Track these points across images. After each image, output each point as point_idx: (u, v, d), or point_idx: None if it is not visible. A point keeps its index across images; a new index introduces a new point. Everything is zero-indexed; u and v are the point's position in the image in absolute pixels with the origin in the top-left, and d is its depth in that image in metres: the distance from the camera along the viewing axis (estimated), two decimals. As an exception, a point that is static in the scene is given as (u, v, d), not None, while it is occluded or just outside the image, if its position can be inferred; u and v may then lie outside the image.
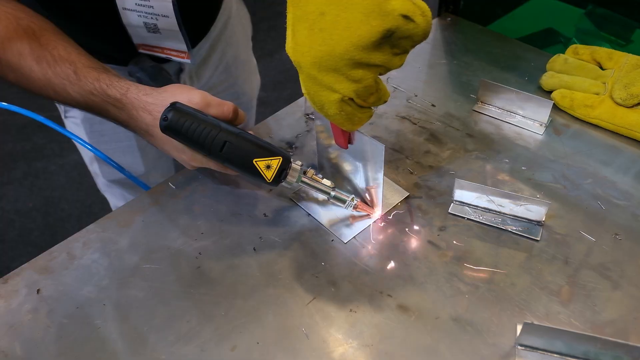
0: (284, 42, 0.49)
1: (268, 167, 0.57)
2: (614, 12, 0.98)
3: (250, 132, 0.61)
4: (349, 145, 0.59)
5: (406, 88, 0.82)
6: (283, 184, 0.59)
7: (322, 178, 0.61)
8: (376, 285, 0.56)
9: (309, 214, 0.64)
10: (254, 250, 0.60)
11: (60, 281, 0.58)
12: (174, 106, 0.57)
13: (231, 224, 0.63)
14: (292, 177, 0.59)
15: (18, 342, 0.53)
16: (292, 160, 0.59)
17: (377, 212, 0.63)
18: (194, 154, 0.60)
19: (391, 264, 0.58)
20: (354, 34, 0.45)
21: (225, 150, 0.56)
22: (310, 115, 0.78)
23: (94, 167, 1.01)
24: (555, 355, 0.50)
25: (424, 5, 0.45)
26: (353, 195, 0.62)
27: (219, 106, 0.60)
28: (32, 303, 0.57)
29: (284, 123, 0.77)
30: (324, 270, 0.58)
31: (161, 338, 0.53)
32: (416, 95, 0.81)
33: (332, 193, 0.61)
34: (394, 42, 0.46)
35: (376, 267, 0.58)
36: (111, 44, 0.79)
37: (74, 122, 0.93)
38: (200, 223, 0.63)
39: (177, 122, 0.56)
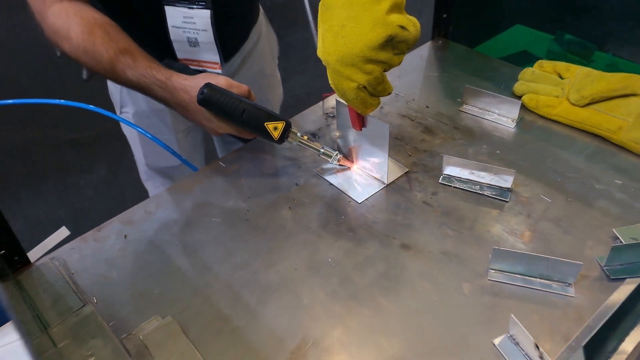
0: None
1: (275, 128, 0.76)
2: (578, 38, 1.19)
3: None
4: (362, 128, 0.78)
5: (406, 94, 1.02)
6: (285, 143, 0.79)
7: (313, 141, 0.82)
8: (384, 231, 0.74)
9: (331, 184, 0.82)
10: (290, 208, 0.78)
11: (141, 229, 0.76)
12: (208, 85, 0.77)
13: (270, 191, 0.81)
14: (292, 139, 0.79)
15: (114, 269, 0.71)
16: (290, 127, 0.79)
17: (383, 180, 0.81)
18: (220, 122, 0.80)
19: (395, 217, 0.76)
20: (365, 38, 0.64)
21: (244, 115, 0.76)
22: (329, 114, 0.97)
23: (139, 156, 1.20)
24: (517, 275, 0.67)
25: (414, 19, 0.65)
26: (336, 152, 0.81)
27: (238, 87, 0.80)
28: (121, 244, 0.74)
29: (309, 119, 0.96)
30: (344, 222, 0.76)
31: (222, 267, 0.70)
32: (414, 99, 1.00)
33: (322, 150, 0.81)
34: (394, 45, 0.66)
35: (384, 219, 0.76)
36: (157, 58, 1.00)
37: (126, 117, 1.13)
38: (245, 190, 0.82)
39: (211, 96, 0.76)
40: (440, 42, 1.18)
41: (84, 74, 1.08)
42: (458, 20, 1.19)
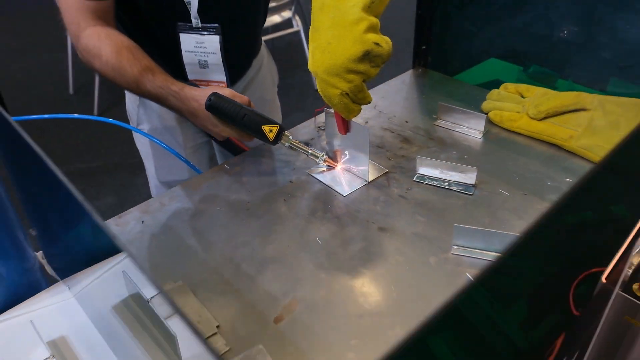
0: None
1: (270, 131, 0.90)
2: (542, 67, 1.34)
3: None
4: (347, 133, 0.92)
5: (388, 112, 1.16)
6: (279, 144, 0.92)
7: (302, 144, 0.95)
8: (365, 218, 0.86)
9: (320, 181, 0.95)
10: (284, 200, 0.91)
11: (157, 217, 0.89)
12: (215, 94, 0.91)
13: (268, 186, 0.94)
14: (284, 140, 0.93)
15: (133, 247, 0.83)
16: (284, 130, 0.93)
17: (365, 178, 0.94)
18: (224, 126, 0.93)
19: (374, 207, 0.89)
20: (347, 53, 0.78)
21: (245, 119, 0.90)
22: (320, 127, 1.11)
23: (151, 170, 1.33)
24: (476, 250, 0.79)
25: (387, 38, 0.80)
26: (323, 153, 0.95)
27: (240, 97, 0.95)
28: (139, 228, 0.87)
29: (302, 131, 1.10)
30: (330, 211, 0.88)
31: (225, 245, 0.82)
32: (395, 116, 1.14)
33: (310, 151, 0.94)
34: (371, 59, 0.80)
35: (364, 209, 0.88)
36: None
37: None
38: (246, 186, 0.95)
39: (217, 103, 0.90)
40: (420, 70, 1.34)
41: (70, 89, 1.23)
42: (438, 53, 1.35)
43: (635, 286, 1.25)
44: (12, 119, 0.53)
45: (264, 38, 1.39)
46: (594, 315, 0.98)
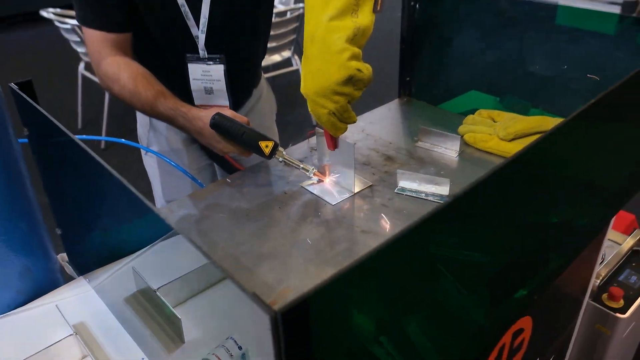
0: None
1: (266, 146, 1.02)
2: (517, 98, 1.48)
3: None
4: (335, 149, 1.04)
5: (375, 135, 1.29)
6: (274, 158, 1.04)
7: (294, 159, 1.07)
8: (350, 222, 0.98)
9: (311, 192, 1.07)
10: (279, 208, 1.02)
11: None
12: (218, 113, 1.04)
13: (265, 196, 1.06)
14: (278, 155, 1.05)
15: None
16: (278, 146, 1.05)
17: (351, 189, 1.06)
18: (226, 143, 1.06)
19: (359, 214, 1.00)
20: (333, 77, 0.91)
21: (244, 136, 1.02)
22: (312, 147, 1.23)
23: (158, 190, 1.45)
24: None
25: (368, 65, 0.93)
26: (312, 167, 1.06)
27: (240, 118, 1.07)
28: (151, 231, 0.98)
29: (297, 151, 1.23)
30: (319, 217, 1.00)
31: (227, 243, 0.93)
32: (380, 138, 1.27)
33: (301, 166, 1.06)
34: (354, 82, 0.93)
35: (350, 215, 1.00)
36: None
37: (151, 157, 1.39)
38: (246, 197, 1.06)
39: (220, 121, 1.02)
40: (405, 99, 1.47)
41: (79, 124, 1.36)
42: (421, 84, 1.49)
43: (604, 296, 1.36)
44: (55, 121, 0.65)
45: (265, 75, 1.53)
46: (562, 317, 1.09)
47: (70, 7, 3.36)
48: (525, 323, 0.97)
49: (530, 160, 0.66)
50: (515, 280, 0.82)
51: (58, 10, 3.16)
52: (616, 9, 4.34)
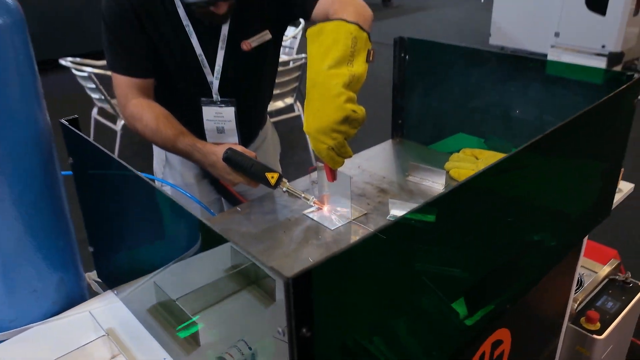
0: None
1: (272, 177, 1.15)
2: (500, 139, 1.62)
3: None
4: (334, 180, 1.18)
5: (370, 170, 1.43)
6: (278, 188, 1.17)
7: (297, 190, 1.19)
8: (347, 243, 1.10)
9: (312, 219, 1.20)
10: (284, 232, 1.15)
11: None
12: (230, 148, 1.18)
13: (271, 222, 1.19)
14: (282, 185, 1.17)
15: (166, 264, 1.06)
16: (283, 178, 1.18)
17: (348, 216, 1.19)
18: (236, 175, 1.19)
19: (355, 237, 1.13)
20: (331, 118, 1.06)
21: (252, 168, 1.16)
22: (313, 181, 1.37)
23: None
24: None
25: (362, 107, 1.08)
26: (313, 196, 1.19)
27: (249, 152, 1.21)
28: (170, 251, 1.10)
29: (300, 185, 1.37)
30: (320, 239, 1.13)
31: (238, 263, 1.06)
32: (375, 173, 1.41)
33: (302, 195, 1.18)
34: (350, 122, 1.08)
35: (347, 237, 1.13)
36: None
37: (166, 189, 1.53)
38: (254, 222, 1.19)
39: (231, 155, 1.16)
40: (398, 140, 1.62)
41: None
42: (413, 126, 1.64)
43: (582, 319, 1.47)
44: (101, 148, 0.79)
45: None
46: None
47: (86, 56, 3.59)
48: (504, 335, 1.08)
49: (479, 185, 0.80)
50: (485, 291, 0.94)
51: (77, 59, 3.37)
52: (602, 61, 4.63)
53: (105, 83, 3.21)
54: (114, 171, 0.81)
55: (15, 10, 0.80)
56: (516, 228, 0.95)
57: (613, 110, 1.07)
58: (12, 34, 0.80)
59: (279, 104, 3.64)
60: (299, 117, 3.73)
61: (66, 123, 0.89)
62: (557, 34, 5.31)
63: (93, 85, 3.21)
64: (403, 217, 0.64)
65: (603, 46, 5.01)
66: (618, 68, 5.21)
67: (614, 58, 5.10)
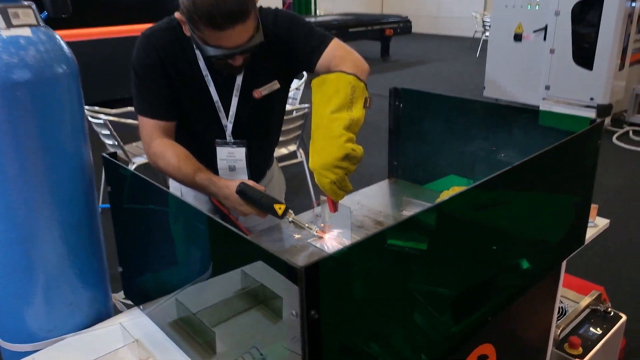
0: None
1: (280, 208, 1.29)
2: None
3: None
4: (335, 212, 1.32)
5: (368, 205, 1.58)
6: (285, 219, 1.30)
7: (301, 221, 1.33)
8: (346, 267, 1.24)
9: (315, 246, 1.34)
10: (290, 256, 1.29)
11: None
12: (243, 182, 1.32)
13: (278, 249, 1.33)
14: (289, 215, 1.30)
15: (185, 284, 1.19)
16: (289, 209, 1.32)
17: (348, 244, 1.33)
18: (247, 206, 1.33)
19: (354, 262, 1.26)
20: (333, 155, 1.21)
21: (262, 200, 1.30)
22: (317, 215, 1.52)
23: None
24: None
25: (360, 147, 1.23)
26: (315, 226, 1.32)
27: (259, 186, 1.35)
28: (189, 273, 1.24)
29: (305, 217, 1.51)
30: (323, 264, 1.26)
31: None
32: (372, 208, 1.56)
33: (307, 225, 1.32)
34: (349, 159, 1.23)
35: (347, 262, 1.26)
36: None
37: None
38: (265, 243, 1.33)
39: (244, 188, 1.31)
40: (394, 180, 1.78)
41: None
42: (408, 168, 1.80)
43: (565, 345, 1.60)
44: (143, 176, 0.94)
45: (273, 166, 1.85)
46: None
47: (101, 105, 3.80)
48: (489, 350, 1.19)
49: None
50: (468, 304, 1.07)
51: (95, 107, 3.59)
52: (592, 112, 4.89)
53: (118, 130, 3.40)
54: (153, 195, 0.95)
55: (72, 61, 0.97)
56: (492, 252, 1.09)
57: (578, 150, 1.23)
58: (68, 81, 0.97)
59: (283, 151, 3.81)
60: (301, 163, 3.91)
61: (108, 156, 1.04)
62: (547, 87, 5.57)
63: (107, 132, 3.40)
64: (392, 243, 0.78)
65: (592, 98, 5.25)
66: (607, 119, 5.45)
67: (603, 110, 5.33)
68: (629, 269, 2.86)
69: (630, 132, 5.23)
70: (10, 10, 0.88)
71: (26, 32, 0.91)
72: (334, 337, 0.74)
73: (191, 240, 0.98)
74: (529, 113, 1.60)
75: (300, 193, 4.05)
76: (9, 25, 0.88)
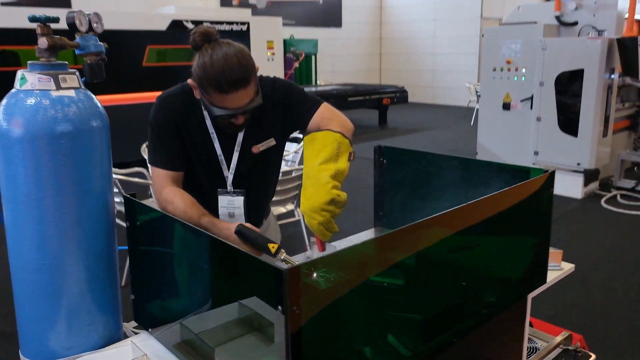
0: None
1: (273, 247, 1.46)
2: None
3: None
4: (323, 250, 1.50)
5: (354, 250, 1.75)
6: (277, 256, 1.47)
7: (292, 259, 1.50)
8: (332, 299, 1.40)
9: (306, 282, 1.50)
10: (283, 291, 1.45)
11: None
12: (241, 224, 1.50)
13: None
14: (281, 254, 1.47)
15: (189, 311, 1.35)
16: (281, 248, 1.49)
17: (334, 281, 1.49)
18: (245, 245, 1.50)
19: (339, 294, 1.43)
20: (321, 200, 1.41)
21: (258, 240, 1.47)
22: (308, 257, 1.69)
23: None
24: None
25: (344, 193, 1.43)
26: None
27: (255, 228, 1.53)
28: (192, 303, 1.40)
29: (300, 258, 1.68)
30: (311, 296, 1.42)
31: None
32: (358, 252, 1.73)
33: (297, 262, 1.48)
34: (335, 204, 1.42)
35: (332, 295, 1.42)
36: None
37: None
38: (259, 284, 1.50)
39: (242, 229, 1.48)
40: (379, 228, 1.96)
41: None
42: (392, 218, 1.99)
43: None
44: (162, 211, 1.13)
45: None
46: None
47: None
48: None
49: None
50: (437, 326, 1.23)
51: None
52: (580, 177, 5.15)
53: (125, 188, 3.61)
54: (167, 228, 1.14)
55: (105, 117, 1.19)
56: (460, 286, 1.26)
57: (533, 196, 1.42)
58: (101, 133, 1.18)
59: (281, 210, 4.01)
60: (299, 221, 4.08)
61: (129, 196, 1.24)
62: (536, 153, 5.83)
63: (116, 190, 3.62)
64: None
65: (578, 164, 5.49)
66: (595, 183, 5.68)
67: (590, 174, 5.57)
68: (608, 320, 2.98)
69: (618, 196, 5.44)
70: (60, 76, 1.11)
71: (71, 93, 1.13)
72: (313, 329, 0.90)
73: (196, 274, 1.15)
74: (506, 169, 1.81)
75: (297, 253, 4.19)
76: (59, 87, 1.10)
